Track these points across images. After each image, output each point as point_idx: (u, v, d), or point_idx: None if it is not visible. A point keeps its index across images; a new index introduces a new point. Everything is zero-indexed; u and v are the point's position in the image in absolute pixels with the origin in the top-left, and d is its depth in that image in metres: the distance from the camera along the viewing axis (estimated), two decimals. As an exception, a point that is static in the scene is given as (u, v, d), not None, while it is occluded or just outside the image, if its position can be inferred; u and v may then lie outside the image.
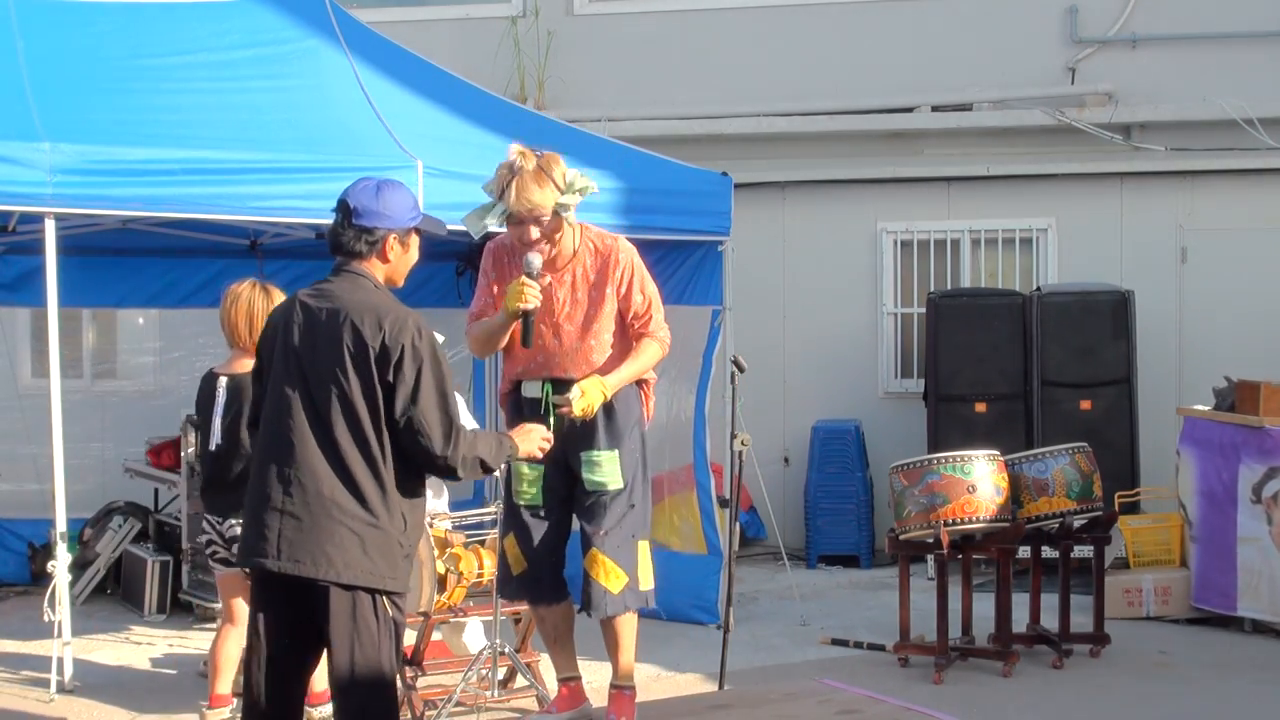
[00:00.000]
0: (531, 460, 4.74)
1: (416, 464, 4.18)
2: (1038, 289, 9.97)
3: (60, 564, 6.69)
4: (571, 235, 4.85)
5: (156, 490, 9.19)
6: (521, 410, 4.90)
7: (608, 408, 4.82)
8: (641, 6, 11.45)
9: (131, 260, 9.43)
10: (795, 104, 11.09)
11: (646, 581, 4.89)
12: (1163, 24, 10.71)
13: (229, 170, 6.96)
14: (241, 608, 5.68)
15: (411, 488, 4.24)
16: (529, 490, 4.92)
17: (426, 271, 9.53)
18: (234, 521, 5.55)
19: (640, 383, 4.95)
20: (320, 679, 6.61)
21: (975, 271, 10.82)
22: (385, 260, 4.29)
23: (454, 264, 9.88)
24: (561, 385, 4.79)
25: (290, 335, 4.21)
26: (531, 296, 4.67)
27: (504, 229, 4.83)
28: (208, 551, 5.95)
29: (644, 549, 4.88)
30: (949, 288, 10.47)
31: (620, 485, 4.83)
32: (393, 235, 4.28)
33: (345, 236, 4.27)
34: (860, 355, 10.89)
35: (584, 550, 4.87)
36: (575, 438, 4.84)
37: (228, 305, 5.93)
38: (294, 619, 4.21)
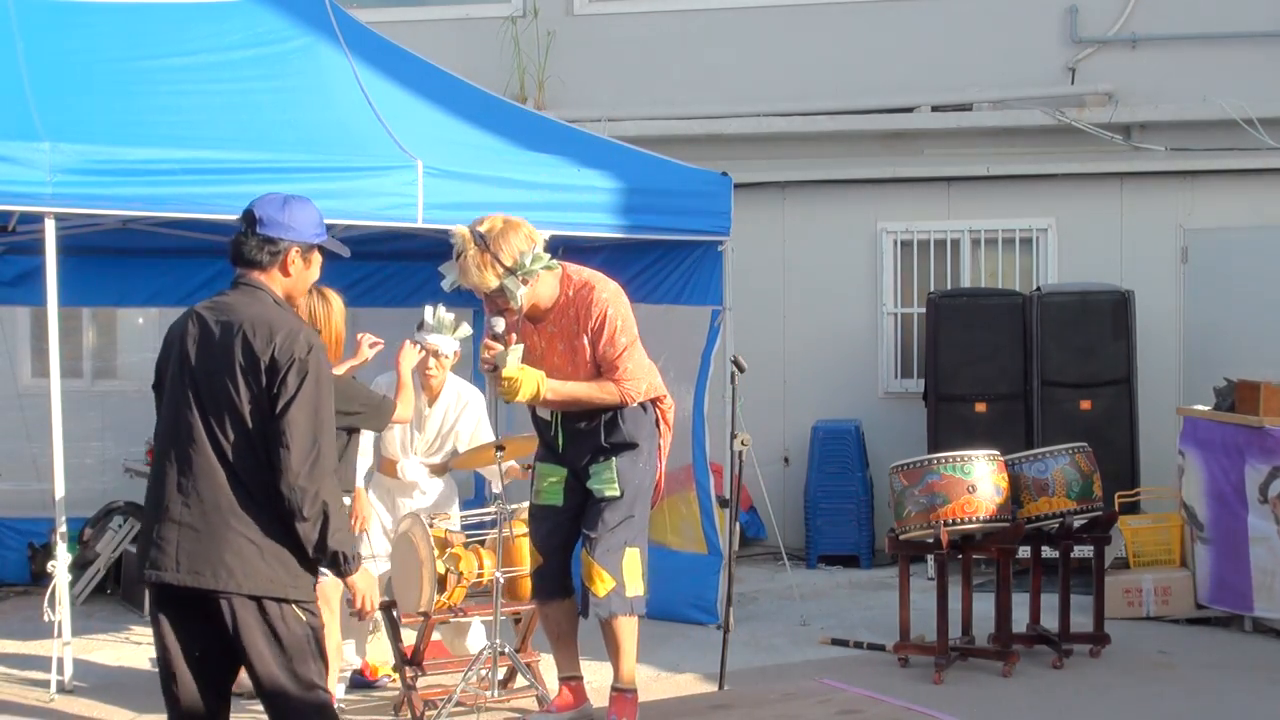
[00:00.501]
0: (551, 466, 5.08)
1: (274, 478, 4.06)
2: (1038, 289, 9.96)
3: (60, 564, 6.69)
4: (552, 284, 4.94)
5: (156, 490, 9.18)
6: (537, 425, 5.16)
7: (611, 422, 4.94)
8: (641, 6, 11.45)
9: (131, 260, 9.41)
10: (795, 104, 11.09)
11: (635, 588, 4.96)
12: (1163, 24, 10.70)
13: (229, 170, 6.96)
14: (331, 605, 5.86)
15: None
16: (549, 490, 5.09)
17: (427, 271, 9.54)
18: None
19: (654, 401, 5.07)
20: (373, 650, 6.64)
21: (975, 271, 10.81)
22: (286, 274, 4.27)
23: (454, 264, 9.87)
24: (569, 416, 4.98)
25: (186, 347, 4.18)
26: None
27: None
28: None
29: (633, 555, 4.96)
30: (949, 288, 10.46)
31: (617, 494, 4.94)
32: (295, 249, 4.26)
33: (248, 246, 4.24)
34: (860, 355, 10.88)
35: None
36: (583, 447, 4.97)
37: None
38: (201, 631, 4.16)
